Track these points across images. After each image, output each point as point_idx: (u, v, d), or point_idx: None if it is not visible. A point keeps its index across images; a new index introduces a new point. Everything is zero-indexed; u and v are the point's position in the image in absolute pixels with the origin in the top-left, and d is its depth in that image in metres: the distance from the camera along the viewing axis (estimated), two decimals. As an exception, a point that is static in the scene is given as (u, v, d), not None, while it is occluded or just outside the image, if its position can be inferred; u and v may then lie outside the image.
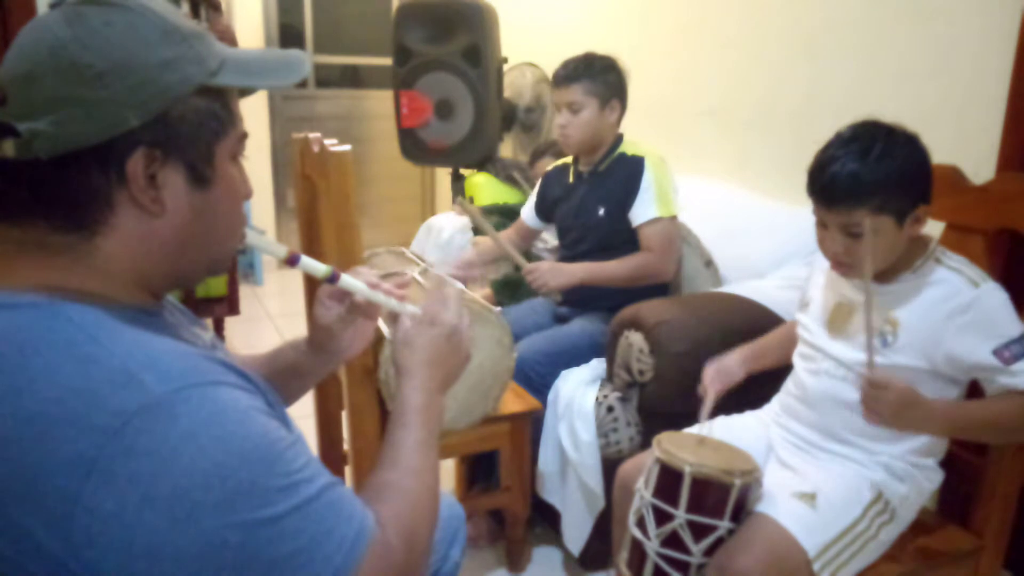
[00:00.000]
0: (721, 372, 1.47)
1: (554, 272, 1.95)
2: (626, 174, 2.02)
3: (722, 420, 1.48)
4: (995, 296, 1.21)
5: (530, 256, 2.40)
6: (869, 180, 1.17)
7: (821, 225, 1.27)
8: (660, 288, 2.12)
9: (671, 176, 2.04)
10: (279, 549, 0.61)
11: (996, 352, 1.19)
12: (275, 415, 0.69)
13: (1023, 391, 1.19)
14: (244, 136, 0.76)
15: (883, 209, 1.19)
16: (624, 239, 2.02)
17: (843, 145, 1.21)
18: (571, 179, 2.16)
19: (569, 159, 2.20)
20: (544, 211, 2.26)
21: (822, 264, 1.42)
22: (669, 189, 2.00)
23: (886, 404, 1.16)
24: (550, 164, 2.35)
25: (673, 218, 2.00)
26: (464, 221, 3.04)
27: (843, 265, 1.27)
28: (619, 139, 2.08)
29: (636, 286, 1.99)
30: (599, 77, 2.01)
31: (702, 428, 1.37)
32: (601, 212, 2.05)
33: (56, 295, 0.64)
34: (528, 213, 2.30)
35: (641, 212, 1.99)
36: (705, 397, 1.43)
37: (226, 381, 0.64)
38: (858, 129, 1.23)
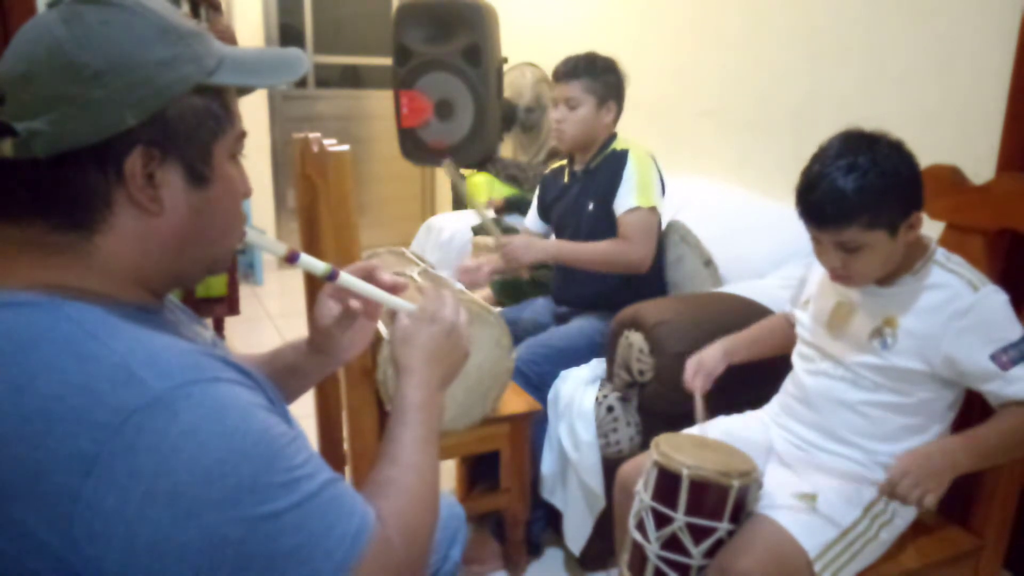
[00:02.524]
0: (703, 366, 1.46)
1: (527, 247, 1.95)
2: (612, 168, 2.02)
3: (722, 420, 1.48)
4: (994, 300, 1.21)
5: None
6: (856, 199, 1.16)
7: (815, 240, 1.26)
8: (659, 288, 2.12)
9: (656, 170, 2.03)
10: (280, 544, 0.61)
11: (994, 356, 1.18)
12: (276, 411, 0.69)
13: (1021, 401, 1.18)
14: (243, 135, 0.76)
15: (874, 224, 1.17)
16: (614, 233, 2.02)
17: (828, 163, 1.19)
18: (566, 179, 2.17)
19: (564, 161, 2.21)
20: (544, 213, 2.26)
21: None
22: (651, 181, 2.00)
23: (920, 478, 1.13)
24: None
25: (652, 209, 1.99)
26: (464, 221, 3.04)
27: (841, 277, 1.27)
28: (612, 138, 2.09)
29: (612, 272, 1.98)
30: (600, 77, 2.01)
31: (703, 429, 1.37)
32: (591, 207, 2.06)
33: (56, 293, 0.64)
34: (532, 219, 2.31)
35: (621, 202, 1.99)
36: (694, 396, 1.42)
37: (227, 377, 0.64)
38: (842, 144, 1.20)
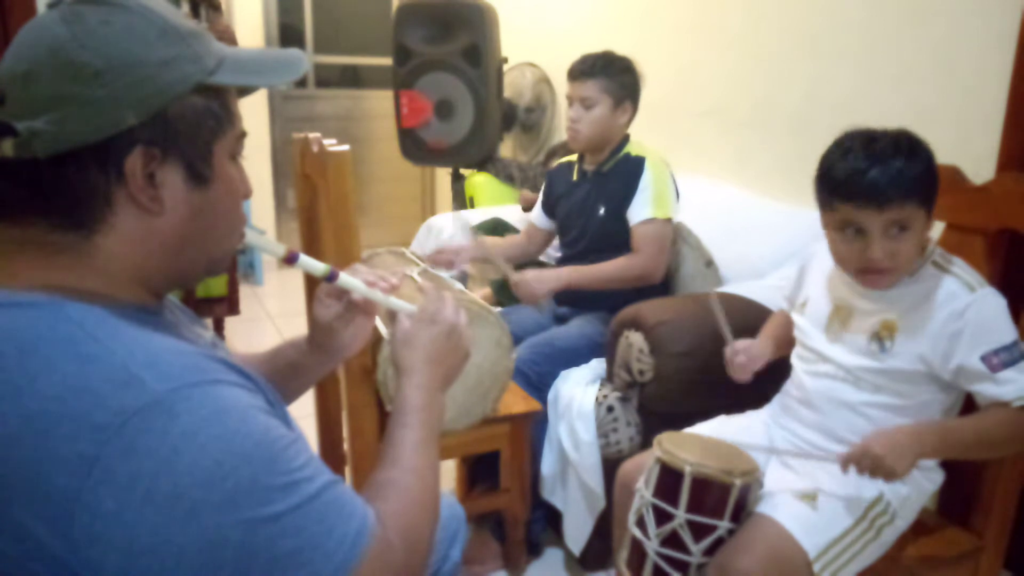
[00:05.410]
0: (751, 357, 1.45)
1: (539, 280, 1.95)
2: (627, 174, 2.02)
3: (722, 420, 1.48)
4: (991, 301, 1.21)
5: (540, 266, 2.39)
6: (913, 173, 1.17)
7: (843, 231, 1.23)
8: (661, 288, 2.12)
9: (671, 179, 2.04)
10: (280, 547, 0.62)
11: (984, 358, 1.18)
12: (276, 413, 0.69)
13: (1007, 403, 1.19)
14: (243, 135, 0.76)
15: (924, 202, 1.19)
16: (623, 239, 2.02)
17: (867, 145, 1.18)
18: (575, 177, 2.16)
19: (574, 157, 2.20)
20: (550, 208, 2.25)
21: (819, 265, 1.42)
22: (667, 191, 2.00)
23: (879, 457, 1.13)
24: None
25: (668, 220, 2.00)
26: (465, 221, 3.04)
27: (881, 272, 1.23)
28: (625, 140, 2.08)
29: (625, 287, 1.98)
30: (616, 77, 2.01)
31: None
32: (601, 212, 2.05)
33: (57, 294, 0.64)
34: (537, 214, 2.30)
35: (636, 212, 1.99)
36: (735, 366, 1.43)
37: (226, 379, 0.65)
38: (870, 131, 1.21)
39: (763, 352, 1.47)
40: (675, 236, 2.17)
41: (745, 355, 1.45)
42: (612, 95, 2.01)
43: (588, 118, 2.01)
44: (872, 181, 1.17)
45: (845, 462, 1.16)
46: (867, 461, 1.14)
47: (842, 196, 1.21)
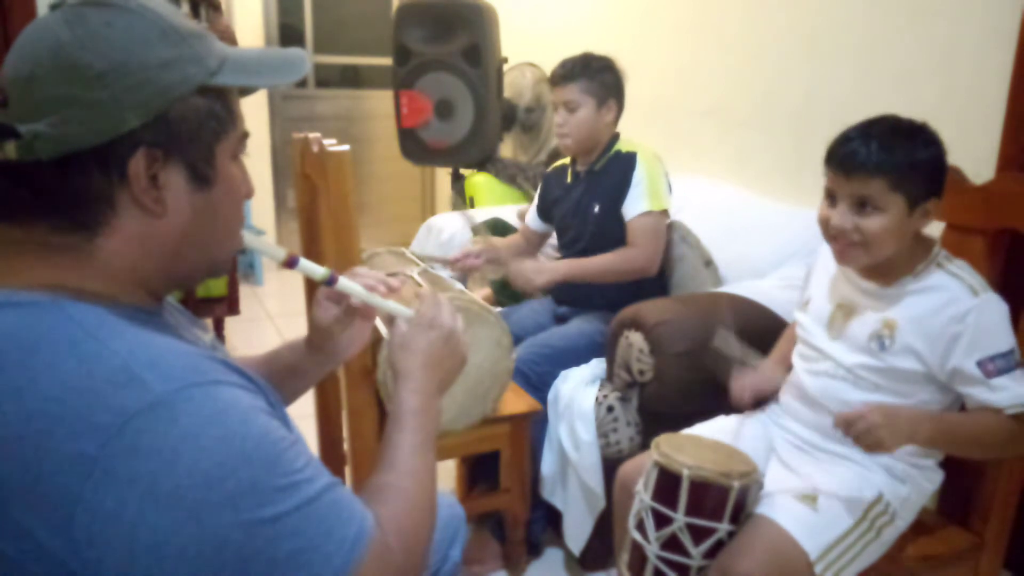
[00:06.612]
0: (760, 382, 1.44)
1: (537, 271, 1.96)
2: (620, 170, 2.02)
3: (722, 420, 1.49)
4: (993, 307, 1.21)
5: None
6: (893, 155, 1.18)
7: (831, 199, 1.26)
8: (660, 288, 2.12)
9: (663, 171, 2.04)
10: (279, 549, 0.62)
11: (980, 363, 1.18)
12: (276, 415, 0.69)
13: (999, 409, 1.19)
14: (245, 135, 0.76)
15: (898, 188, 1.19)
16: (620, 235, 2.02)
17: (871, 124, 1.22)
18: (569, 179, 2.17)
19: (567, 160, 2.21)
20: (545, 212, 2.26)
21: (823, 264, 1.43)
22: (660, 183, 2.01)
23: (875, 425, 1.13)
24: None
25: (663, 212, 2.01)
26: (464, 221, 3.04)
27: (851, 245, 1.24)
28: (615, 138, 2.08)
29: (622, 280, 1.99)
30: (596, 77, 2.01)
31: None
32: (596, 210, 2.06)
33: (58, 294, 0.64)
34: (532, 217, 2.31)
35: (632, 206, 2.00)
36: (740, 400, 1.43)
37: (227, 380, 0.65)
38: (886, 116, 1.24)
39: (772, 377, 1.46)
40: (674, 235, 2.17)
41: (751, 391, 1.43)
42: (594, 95, 2.01)
43: (574, 121, 2.02)
44: (848, 150, 1.21)
45: (840, 420, 1.16)
46: (862, 424, 1.13)
47: (826, 160, 1.26)
